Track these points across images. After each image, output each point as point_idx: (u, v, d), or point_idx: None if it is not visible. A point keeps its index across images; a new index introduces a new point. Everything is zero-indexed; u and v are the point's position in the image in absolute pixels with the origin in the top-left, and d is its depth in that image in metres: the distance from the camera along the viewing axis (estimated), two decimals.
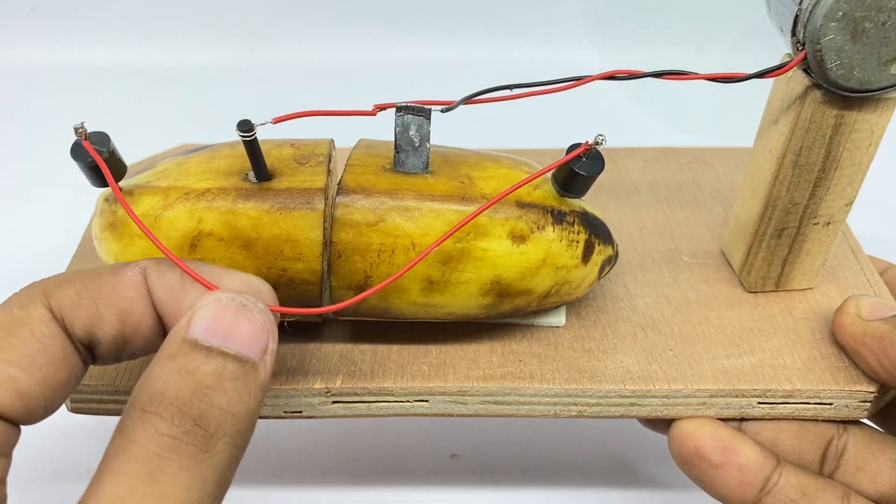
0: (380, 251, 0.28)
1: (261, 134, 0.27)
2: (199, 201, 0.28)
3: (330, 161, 0.30)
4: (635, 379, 0.31)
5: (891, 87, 0.28)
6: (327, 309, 0.28)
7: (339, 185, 0.29)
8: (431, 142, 0.29)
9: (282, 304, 0.29)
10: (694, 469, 0.31)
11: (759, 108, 0.33)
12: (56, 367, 0.23)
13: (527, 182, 0.28)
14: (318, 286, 0.29)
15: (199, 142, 0.45)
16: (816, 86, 0.29)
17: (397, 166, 0.29)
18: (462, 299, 0.29)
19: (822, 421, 0.32)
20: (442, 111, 0.28)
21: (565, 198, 0.30)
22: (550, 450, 0.43)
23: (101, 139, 0.28)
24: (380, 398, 0.31)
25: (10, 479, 0.23)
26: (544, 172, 0.28)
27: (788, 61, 0.29)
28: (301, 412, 0.31)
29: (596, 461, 0.42)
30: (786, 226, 0.33)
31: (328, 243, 0.28)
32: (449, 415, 0.32)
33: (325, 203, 0.28)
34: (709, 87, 0.31)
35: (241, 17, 0.71)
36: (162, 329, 0.25)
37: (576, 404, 0.31)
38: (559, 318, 0.33)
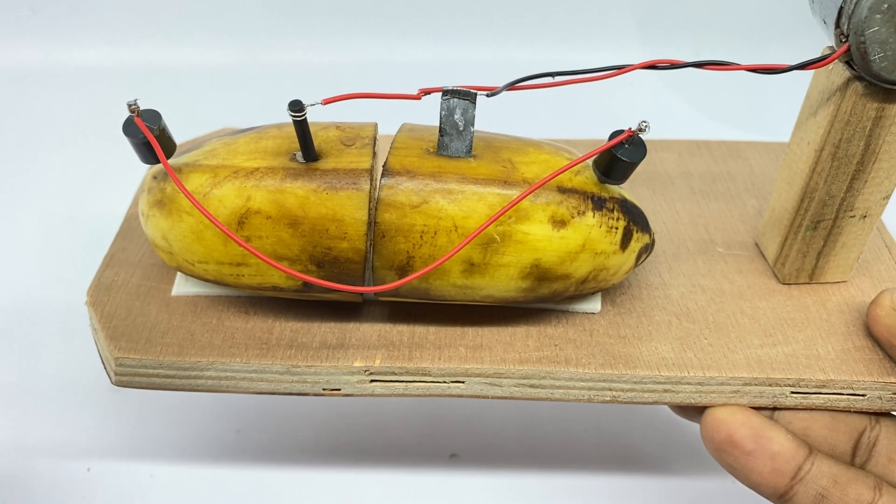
0: (423, 232, 0.29)
1: (309, 115, 0.28)
2: (247, 180, 0.29)
3: (374, 143, 0.30)
4: (670, 366, 0.31)
5: None
6: (372, 289, 0.28)
7: (384, 166, 0.29)
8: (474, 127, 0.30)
9: (326, 280, 0.29)
10: (726, 456, 0.31)
11: (796, 102, 0.34)
12: None
13: (569, 167, 0.29)
14: (361, 265, 0.29)
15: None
16: (858, 78, 0.29)
17: (441, 150, 0.30)
18: (502, 282, 0.30)
19: (855, 412, 0.32)
20: (487, 96, 0.29)
21: (606, 184, 0.31)
22: (550, 450, 0.43)
23: (153, 116, 0.29)
24: (417, 378, 0.31)
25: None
26: (587, 158, 0.29)
27: (830, 54, 0.29)
28: (339, 389, 0.32)
29: (596, 461, 0.42)
30: (822, 218, 0.33)
31: (372, 223, 0.29)
32: (484, 396, 0.32)
33: (371, 184, 0.29)
34: (747, 80, 0.31)
35: (242, 17, 0.72)
36: None
37: (610, 389, 0.32)
38: (595, 305, 0.34)
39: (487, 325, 0.33)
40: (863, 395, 0.32)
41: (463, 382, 0.32)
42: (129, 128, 0.28)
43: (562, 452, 0.43)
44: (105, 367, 0.33)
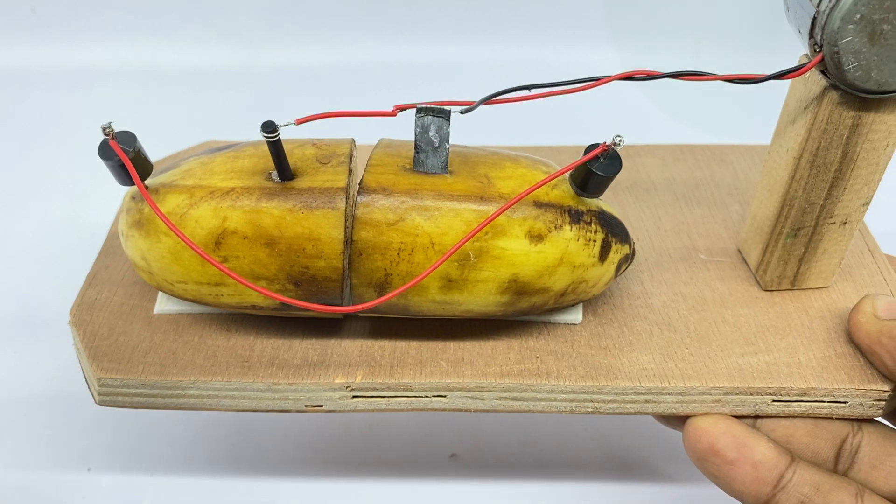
0: (399, 250, 0.29)
1: (284, 133, 0.28)
2: (223, 200, 0.29)
3: (351, 160, 0.30)
4: (651, 376, 0.32)
5: None
6: (349, 309, 0.28)
7: (360, 184, 0.29)
8: (451, 141, 0.30)
9: (304, 300, 0.29)
10: (709, 465, 0.31)
11: (778, 107, 0.34)
12: None
13: (545, 183, 0.28)
14: (339, 283, 0.29)
15: (200, 140, 0.45)
16: (834, 87, 0.29)
17: (417, 166, 0.30)
18: (480, 297, 0.30)
19: (837, 419, 0.32)
20: (461, 112, 0.29)
21: (583, 197, 0.31)
22: (550, 449, 0.43)
23: (128, 139, 0.29)
24: (399, 393, 0.32)
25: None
26: (562, 173, 0.29)
27: (806, 63, 0.29)
28: (322, 406, 0.32)
29: (596, 460, 0.43)
30: (802, 225, 0.33)
31: (349, 242, 0.29)
32: (466, 410, 0.32)
33: (347, 202, 0.29)
34: (727, 87, 0.31)
35: (242, 17, 0.71)
36: None
37: (592, 401, 0.32)
38: (576, 316, 0.34)
39: (469, 339, 0.33)
40: (844, 402, 0.32)
41: (445, 397, 0.32)
42: (105, 151, 0.28)
43: (561, 451, 0.43)
44: (88, 387, 0.33)
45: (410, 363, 0.32)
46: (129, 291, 0.35)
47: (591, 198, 0.31)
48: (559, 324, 0.34)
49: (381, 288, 0.29)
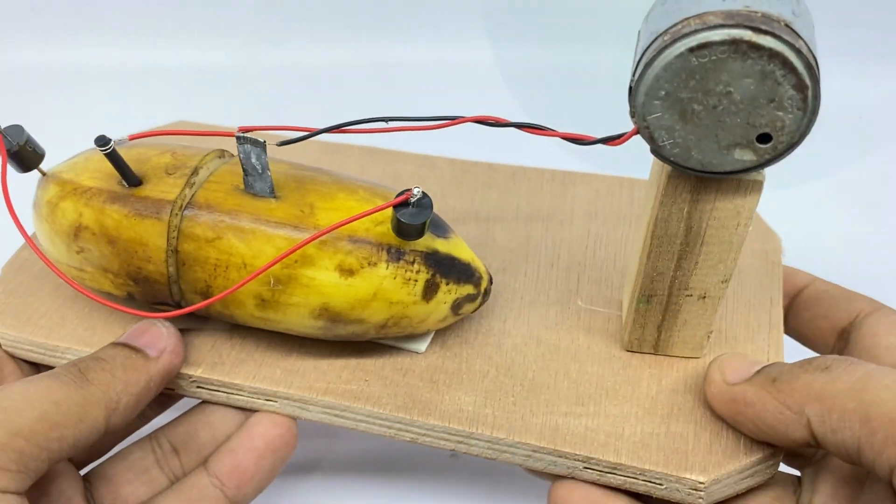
0: (216, 265, 0.31)
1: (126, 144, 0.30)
2: (81, 197, 0.32)
3: (196, 174, 0.32)
4: (463, 419, 0.32)
5: (740, 171, 0.26)
6: (176, 313, 0.31)
7: (190, 199, 0.31)
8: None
9: (142, 297, 0.32)
10: None
11: None
12: None
13: (348, 222, 0.29)
14: (166, 286, 0.32)
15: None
16: None
17: (247, 188, 0.31)
18: (295, 319, 0.31)
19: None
20: (278, 144, 0.30)
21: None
22: None
23: (16, 131, 0.32)
24: (233, 391, 0.34)
25: None
26: (370, 213, 0.29)
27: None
28: (174, 389, 0.35)
29: None
30: (653, 293, 0.31)
31: (175, 251, 0.31)
32: (298, 417, 0.34)
33: (173, 214, 0.31)
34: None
35: (242, 17, 0.71)
36: None
37: (408, 431, 0.33)
38: (419, 346, 0.34)
39: (312, 351, 0.34)
40: (660, 485, 0.30)
41: (276, 402, 0.34)
42: None
43: None
44: None
45: (251, 365, 0.34)
46: None
47: (409, 241, 0.31)
48: (403, 350, 0.34)
49: (205, 296, 0.32)
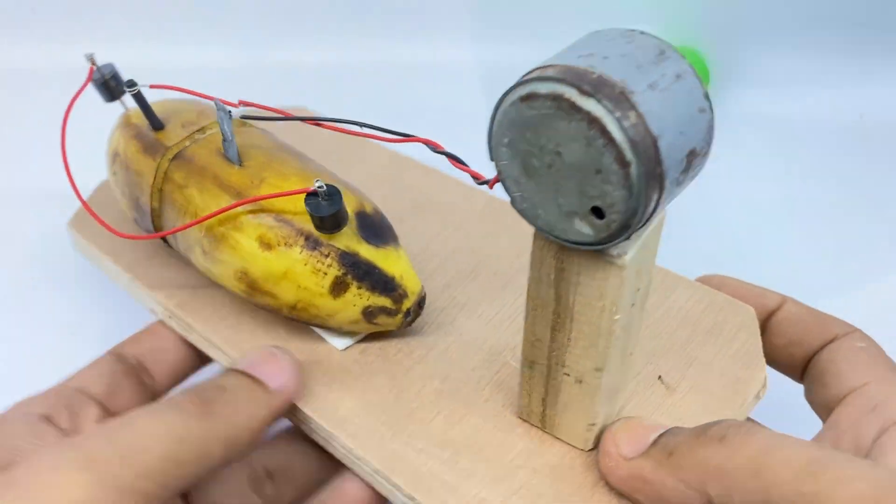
0: (180, 209, 0.35)
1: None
2: (124, 130, 0.39)
3: (199, 130, 0.37)
4: (331, 419, 0.32)
5: (584, 243, 0.24)
6: (153, 236, 0.36)
7: (182, 150, 0.36)
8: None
9: (142, 226, 0.38)
10: None
11: None
12: None
13: (238, 205, 0.33)
14: (151, 218, 0.37)
15: None
16: None
17: (224, 152, 0.35)
18: (225, 275, 0.35)
19: None
20: (241, 117, 0.33)
21: (335, 233, 0.32)
22: None
23: (107, 67, 0.39)
24: (190, 332, 0.38)
25: None
26: (271, 197, 0.32)
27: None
28: (156, 313, 0.40)
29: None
30: (535, 360, 0.29)
31: (160, 190, 0.36)
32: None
33: (168, 159, 0.36)
34: None
35: (243, 17, 0.70)
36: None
37: (293, 415, 0.34)
38: (339, 342, 0.35)
39: (255, 317, 0.37)
40: None
41: (212, 348, 0.37)
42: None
43: None
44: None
45: (207, 312, 0.38)
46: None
47: (328, 234, 0.32)
48: (325, 342, 0.36)
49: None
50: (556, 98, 0.22)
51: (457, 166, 0.29)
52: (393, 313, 0.34)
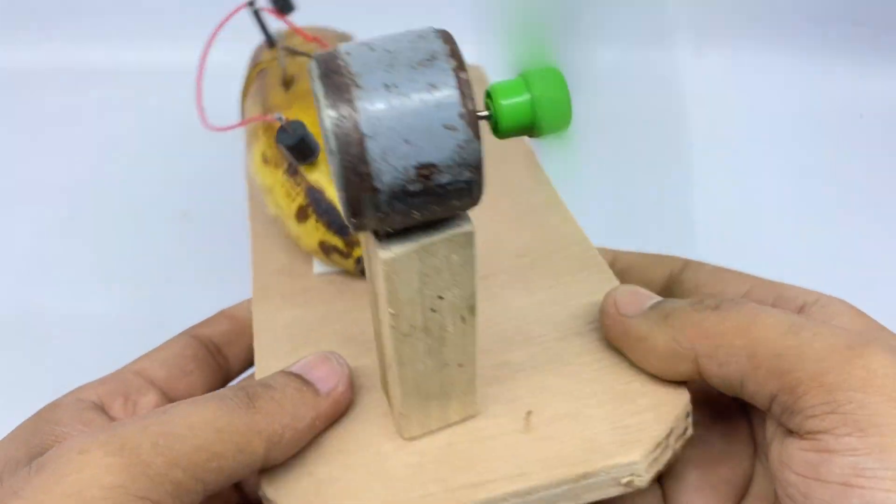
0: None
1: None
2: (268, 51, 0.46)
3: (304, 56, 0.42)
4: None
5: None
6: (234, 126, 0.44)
7: (281, 67, 0.42)
8: None
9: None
10: None
11: None
12: None
13: (252, 121, 0.37)
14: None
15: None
16: None
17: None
18: (249, 170, 0.40)
19: None
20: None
21: (309, 167, 0.36)
22: None
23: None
24: None
25: None
26: (245, 123, 0.37)
27: None
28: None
29: None
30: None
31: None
32: None
33: (261, 70, 0.43)
34: None
35: (243, 16, 0.63)
36: None
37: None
38: (317, 266, 0.38)
39: None
40: None
41: None
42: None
43: None
44: None
45: None
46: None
47: (303, 163, 0.35)
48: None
49: None
50: (310, 70, 0.23)
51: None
52: (345, 255, 0.36)
